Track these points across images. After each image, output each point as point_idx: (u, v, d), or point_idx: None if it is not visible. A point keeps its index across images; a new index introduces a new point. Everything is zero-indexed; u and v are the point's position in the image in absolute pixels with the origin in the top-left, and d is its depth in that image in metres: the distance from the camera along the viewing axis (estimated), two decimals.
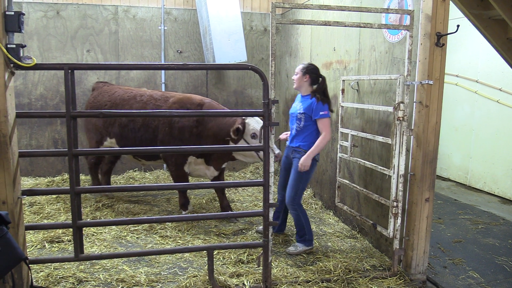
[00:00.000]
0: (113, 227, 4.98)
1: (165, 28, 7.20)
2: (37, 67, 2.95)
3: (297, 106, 4.35)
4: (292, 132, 4.45)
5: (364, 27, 3.69)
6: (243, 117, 4.76)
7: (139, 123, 5.21)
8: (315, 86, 4.33)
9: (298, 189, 4.33)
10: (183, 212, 5.37)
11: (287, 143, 4.55)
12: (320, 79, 4.31)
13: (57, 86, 7.02)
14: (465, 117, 7.55)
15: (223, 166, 5.38)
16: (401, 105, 3.73)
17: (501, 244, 4.87)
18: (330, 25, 3.61)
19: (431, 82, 3.65)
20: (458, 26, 3.51)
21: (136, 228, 4.99)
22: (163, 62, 7.19)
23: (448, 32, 3.63)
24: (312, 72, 4.28)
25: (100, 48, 7.05)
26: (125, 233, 4.85)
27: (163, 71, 7.21)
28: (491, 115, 7.00)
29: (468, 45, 7.37)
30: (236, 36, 6.18)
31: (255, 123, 4.80)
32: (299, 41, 6.83)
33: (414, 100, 3.81)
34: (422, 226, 3.90)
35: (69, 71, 2.96)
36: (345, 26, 3.65)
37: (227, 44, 6.10)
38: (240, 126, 4.74)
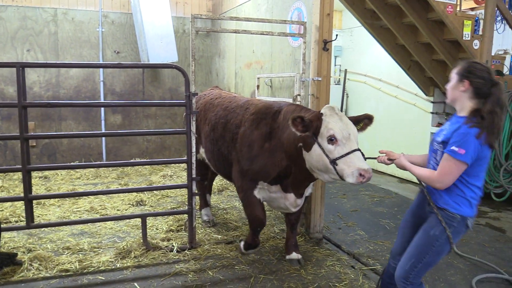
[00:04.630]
0: (57, 209, 5.56)
1: (103, 30, 7.78)
2: None
3: (442, 130, 2.76)
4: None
5: (267, 34, 4.60)
6: (321, 112, 3.35)
7: (217, 134, 4.37)
8: (481, 101, 2.58)
9: (421, 263, 2.70)
10: (242, 249, 4.31)
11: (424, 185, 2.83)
12: (494, 88, 2.54)
13: None
14: (372, 111, 8.62)
15: (307, 194, 4.16)
16: (298, 97, 4.68)
17: (388, 211, 6.00)
18: (239, 33, 4.48)
19: (320, 79, 4.62)
20: (337, 35, 4.50)
21: (78, 209, 5.60)
22: (101, 62, 7.75)
23: (332, 39, 4.63)
24: (476, 75, 2.56)
25: (40, 48, 7.50)
26: (68, 214, 5.44)
27: (101, 70, 7.78)
28: (391, 109, 8.23)
29: (374, 49, 8.56)
30: (167, 39, 6.93)
31: (335, 121, 3.24)
32: (226, 43, 7.70)
33: (309, 93, 4.76)
34: (318, 194, 4.87)
35: (21, 68, 3.59)
36: (251, 33, 4.54)
37: (159, 46, 6.83)
38: (306, 117, 3.27)
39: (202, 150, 4.87)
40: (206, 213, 5.33)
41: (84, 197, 6.02)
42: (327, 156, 3.21)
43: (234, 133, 4.10)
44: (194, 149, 4.36)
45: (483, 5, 6.67)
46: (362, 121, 3.46)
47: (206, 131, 4.60)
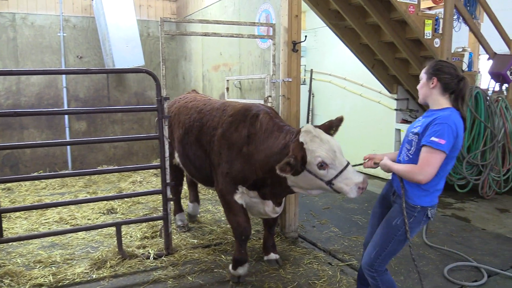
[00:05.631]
0: (24, 221, 5.36)
1: (64, 34, 7.55)
2: None
3: (417, 123, 2.85)
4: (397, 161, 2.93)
5: (237, 37, 4.61)
6: (300, 141, 3.22)
7: (192, 138, 4.25)
8: (450, 95, 2.76)
9: (385, 251, 2.84)
10: (231, 270, 3.91)
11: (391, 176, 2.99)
12: (461, 82, 2.72)
13: None
14: (338, 110, 8.92)
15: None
16: (269, 98, 4.73)
17: (359, 207, 6.15)
18: (209, 36, 4.47)
19: (290, 80, 4.68)
20: (306, 36, 4.57)
21: (46, 220, 5.42)
22: (63, 67, 7.53)
23: (301, 40, 4.70)
24: (443, 72, 2.72)
25: None
26: (37, 226, 5.26)
27: (64, 76, 7.56)
28: (357, 107, 8.42)
29: (338, 49, 8.72)
30: (133, 43, 6.81)
31: (318, 146, 3.16)
32: (192, 46, 7.65)
33: (279, 94, 4.81)
34: (292, 194, 4.91)
35: None
36: (221, 36, 4.54)
37: (125, 50, 6.70)
38: (292, 159, 3.11)
39: (176, 155, 4.71)
40: (180, 218, 5.26)
41: (52, 207, 5.83)
42: (321, 179, 3.16)
43: (211, 136, 3.99)
44: (167, 154, 4.31)
45: (441, 4, 6.96)
46: (335, 125, 3.49)
47: (179, 135, 4.45)
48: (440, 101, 2.75)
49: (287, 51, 4.66)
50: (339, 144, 3.26)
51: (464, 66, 6.33)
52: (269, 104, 4.70)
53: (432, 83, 2.73)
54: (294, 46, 4.65)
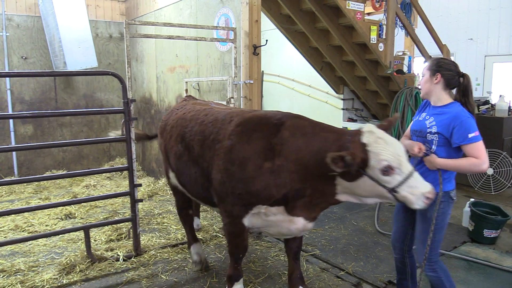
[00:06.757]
0: None
1: (7, 34, 7.21)
2: None
3: (427, 122, 2.99)
4: (412, 160, 3.05)
5: (200, 40, 4.74)
6: (363, 142, 2.76)
7: (194, 154, 3.56)
8: (454, 91, 3.02)
9: (433, 244, 2.98)
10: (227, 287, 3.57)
11: None
12: (462, 78, 2.94)
13: None
14: (287, 109, 9.13)
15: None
16: (231, 99, 4.90)
17: None
18: (173, 39, 4.56)
19: (251, 82, 4.89)
20: (266, 40, 4.81)
21: (1, 229, 5.21)
22: (7, 69, 7.19)
23: (262, 44, 4.93)
24: (446, 69, 2.92)
25: None
26: None
27: (7, 78, 7.21)
28: (305, 107, 8.83)
29: (286, 51, 9.09)
30: (86, 44, 6.65)
31: (383, 148, 2.74)
32: (144, 48, 7.61)
33: (241, 96, 5.01)
34: None
35: None
36: (185, 39, 4.65)
37: (77, 51, 6.52)
38: (349, 156, 2.63)
39: (172, 174, 4.09)
40: (196, 251, 4.24)
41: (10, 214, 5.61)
42: (383, 186, 2.76)
43: (216, 150, 3.29)
44: (134, 156, 4.35)
45: (380, 10, 7.49)
46: (393, 125, 3.22)
47: (178, 151, 3.76)
48: (443, 96, 2.95)
49: (248, 54, 4.87)
50: (403, 147, 2.84)
51: (405, 68, 6.88)
52: (231, 106, 4.88)
53: (436, 79, 2.93)
54: (255, 50, 4.87)
